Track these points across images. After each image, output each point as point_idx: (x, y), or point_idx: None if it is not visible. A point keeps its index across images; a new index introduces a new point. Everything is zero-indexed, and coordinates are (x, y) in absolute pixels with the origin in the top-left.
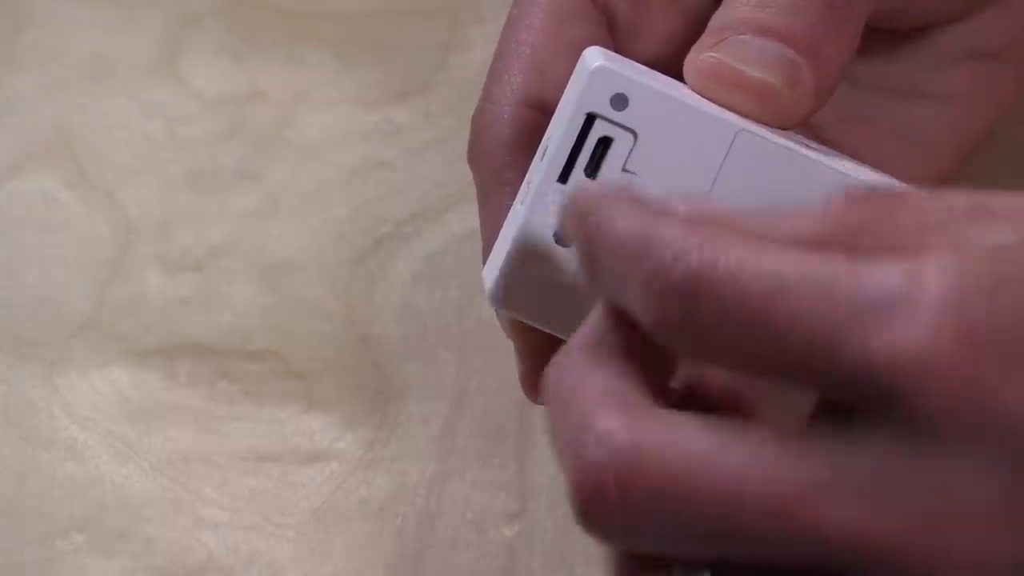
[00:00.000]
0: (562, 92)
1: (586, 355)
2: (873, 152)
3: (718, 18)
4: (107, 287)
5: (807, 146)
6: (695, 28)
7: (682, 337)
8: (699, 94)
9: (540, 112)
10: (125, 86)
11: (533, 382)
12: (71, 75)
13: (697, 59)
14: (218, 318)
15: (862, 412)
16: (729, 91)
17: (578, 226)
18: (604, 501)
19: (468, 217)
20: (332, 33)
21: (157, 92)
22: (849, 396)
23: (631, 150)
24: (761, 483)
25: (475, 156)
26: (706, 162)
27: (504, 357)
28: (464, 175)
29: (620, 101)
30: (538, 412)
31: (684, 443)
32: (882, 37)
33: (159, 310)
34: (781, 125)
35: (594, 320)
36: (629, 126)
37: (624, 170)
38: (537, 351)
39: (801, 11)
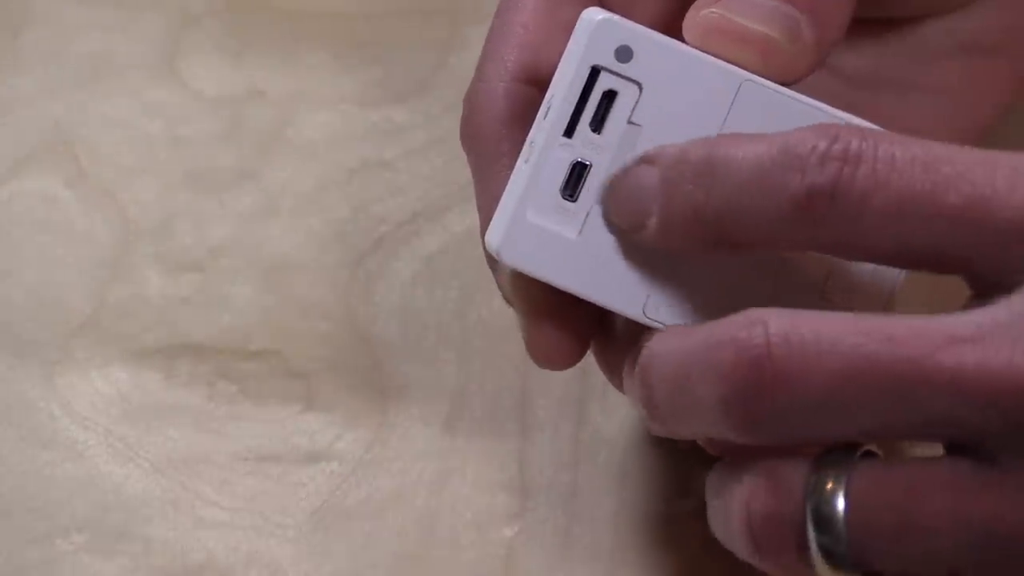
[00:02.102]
0: (555, 69)
1: None
2: None
3: None
4: (107, 287)
5: (824, 103)
6: (687, 6)
7: None
8: (701, 50)
9: (534, 87)
10: (125, 86)
11: (537, 344)
12: (71, 75)
13: (698, 15)
14: (218, 318)
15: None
16: (731, 45)
17: None
18: (760, 380)
19: (468, 217)
20: (332, 33)
21: (157, 92)
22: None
23: (636, 102)
24: (906, 336)
25: (469, 133)
26: (711, 113)
27: (504, 357)
28: (464, 175)
29: (624, 53)
30: (538, 412)
31: (836, 321)
32: (874, 29)
33: (159, 310)
34: (782, 79)
35: None
36: (634, 78)
37: (630, 122)
38: (539, 311)
39: None
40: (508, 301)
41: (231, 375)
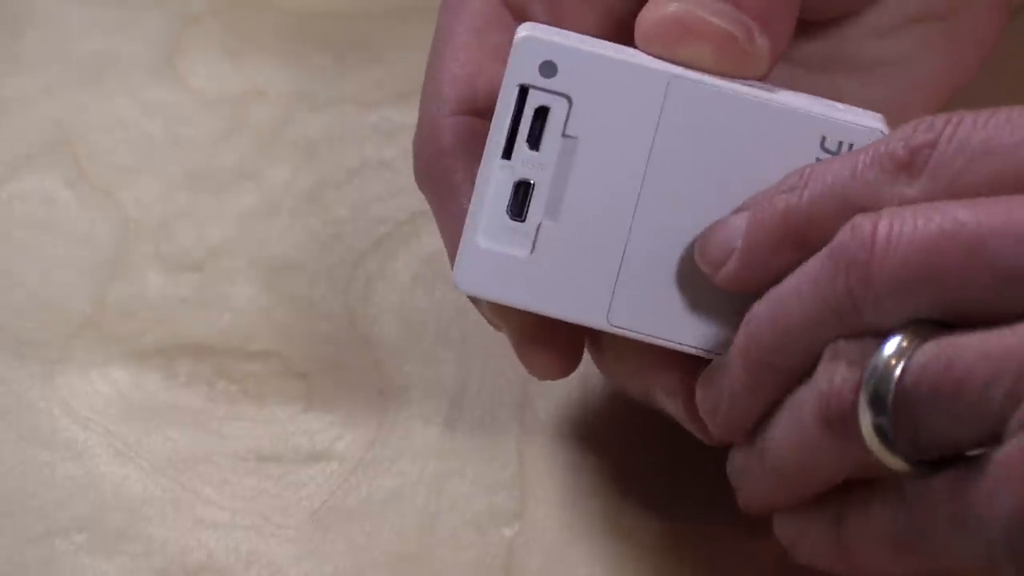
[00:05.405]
0: (492, 96)
1: None
2: None
3: None
4: (107, 287)
5: (753, 87)
6: (611, 27)
7: None
8: (654, 47)
9: (475, 116)
10: (125, 86)
11: (531, 363)
12: (71, 75)
13: (657, 12)
14: (218, 318)
15: None
16: (689, 40)
17: None
18: (869, 247)
19: None
20: (332, 33)
21: (157, 92)
22: None
23: (568, 115)
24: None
25: (421, 172)
26: (644, 115)
27: (504, 357)
28: None
29: (549, 68)
30: (538, 412)
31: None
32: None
33: (159, 310)
34: (737, 75)
35: None
36: (562, 91)
37: (565, 135)
38: (527, 334)
39: None
40: (495, 327)
41: (231, 375)
